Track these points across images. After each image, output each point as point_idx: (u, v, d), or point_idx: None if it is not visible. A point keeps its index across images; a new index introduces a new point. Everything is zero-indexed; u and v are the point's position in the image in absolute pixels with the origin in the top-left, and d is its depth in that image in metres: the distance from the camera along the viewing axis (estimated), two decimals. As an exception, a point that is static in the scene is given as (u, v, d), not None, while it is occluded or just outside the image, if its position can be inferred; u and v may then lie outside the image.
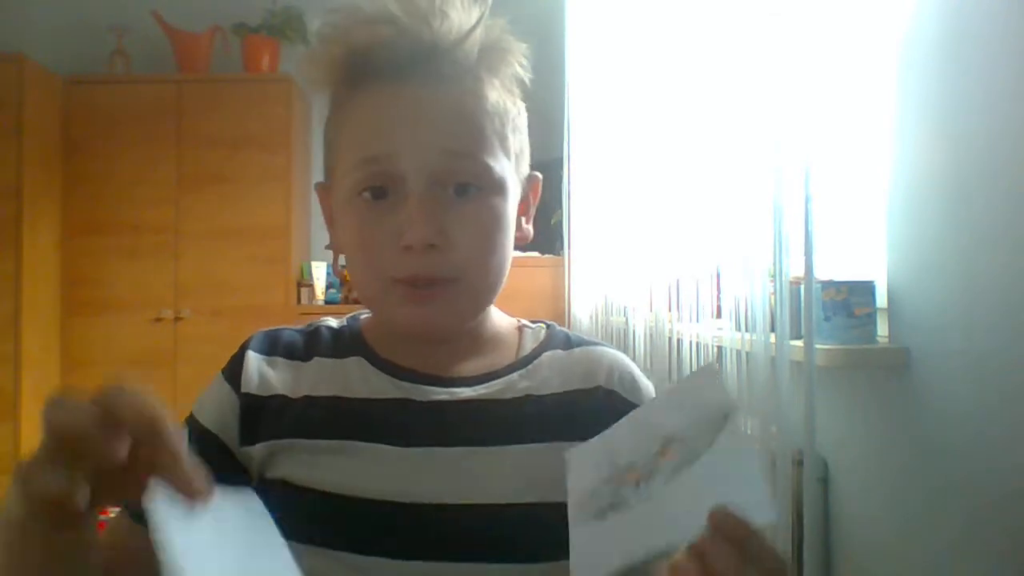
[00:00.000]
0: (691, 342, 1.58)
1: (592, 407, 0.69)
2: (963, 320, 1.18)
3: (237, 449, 0.69)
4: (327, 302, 3.51)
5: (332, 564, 0.64)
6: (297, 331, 0.76)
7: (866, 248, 1.45)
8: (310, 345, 0.74)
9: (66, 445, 0.46)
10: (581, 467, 0.57)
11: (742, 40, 1.50)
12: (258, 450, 0.69)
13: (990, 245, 1.12)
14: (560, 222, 3.08)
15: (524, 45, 0.69)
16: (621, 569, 0.53)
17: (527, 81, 0.70)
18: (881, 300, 1.35)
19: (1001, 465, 1.11)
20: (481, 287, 0.67)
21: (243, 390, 0.70)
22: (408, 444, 0.67)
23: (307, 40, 3.32)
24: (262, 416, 0.69)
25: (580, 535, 0.54)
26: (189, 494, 0.45)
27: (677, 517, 0.50)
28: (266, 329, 0.76)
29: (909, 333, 1.31)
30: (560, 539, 0.65)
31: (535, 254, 3.16)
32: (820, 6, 1.43)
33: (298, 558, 0.65)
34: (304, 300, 3.49)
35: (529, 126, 0.73)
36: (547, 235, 3.23)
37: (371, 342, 0.73)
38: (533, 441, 0.67)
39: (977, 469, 1.18)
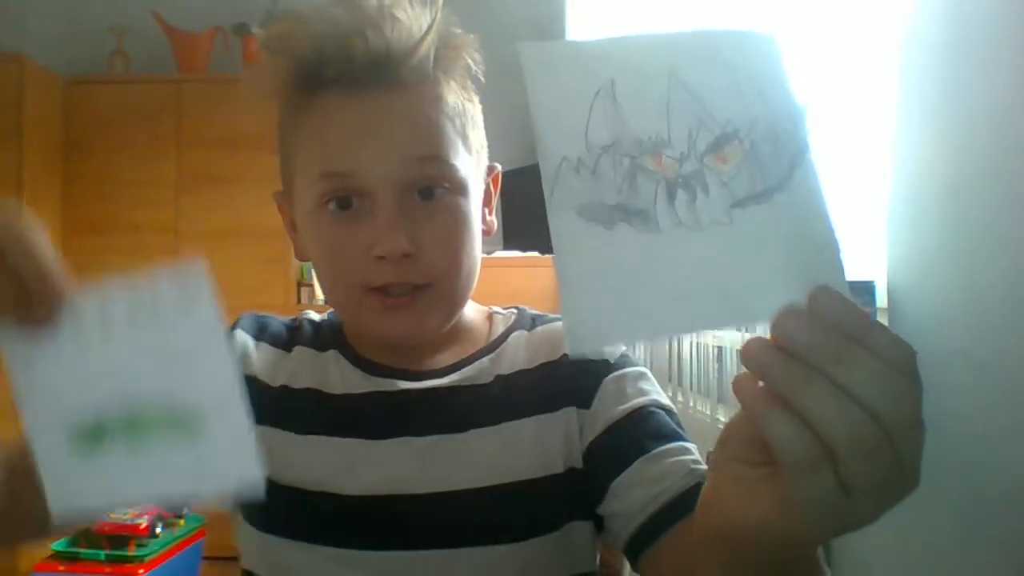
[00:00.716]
0: (691, 342, 1.58)
1: (561, 375, 0.69)
2: (963, 320, 1.18)
3: None
4: (327, 302, 3.50)
5: (311, 557, 0.65)
6: (283, 322, 0.77)
7: (866, 248, 1.45)
8: (293, 336, 0.75)
9: None
10: (553, 86, 0.37)
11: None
12: None
13: (990, 245, 1.12)
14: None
15: (472, 36, 0.67)
16: (648, 334, 0.40)
17: (480, 75, 0.69)
18: (881, 300, 1.35)
19: (1001, 464, 1.11)
20: (454, 290, 0.67)
21: None
22: (380, 437, 0.67)
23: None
24: None
25: (573, 240, 0.36)
26: (42, 303, 0.42)
27: (738, 277, 0.35)
28: (255, 312, 0.77)
29: (909, 333, 1.31)
30: (539, 515, 0.65)
31: (535, 254, 3.16)
32: (820, 7, 1.43)
33: (278, 552, 0.66)
34: (304, 300, 3.49)
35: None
36: (547, 235, 3.22)
37: (348, 337, 0.74)
38: (505, 420, 0.67)
39: (977, 469, 1.18)
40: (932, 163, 1.25)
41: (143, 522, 2.42)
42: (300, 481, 0.67)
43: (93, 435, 0.44)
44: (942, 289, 1.22)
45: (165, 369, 0.44)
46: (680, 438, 0.64)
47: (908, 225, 1.31)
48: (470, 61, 0.68)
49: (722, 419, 1.53)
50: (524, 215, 2.02)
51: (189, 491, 0.46)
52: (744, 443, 0.37)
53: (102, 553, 2.37)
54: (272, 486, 0.66)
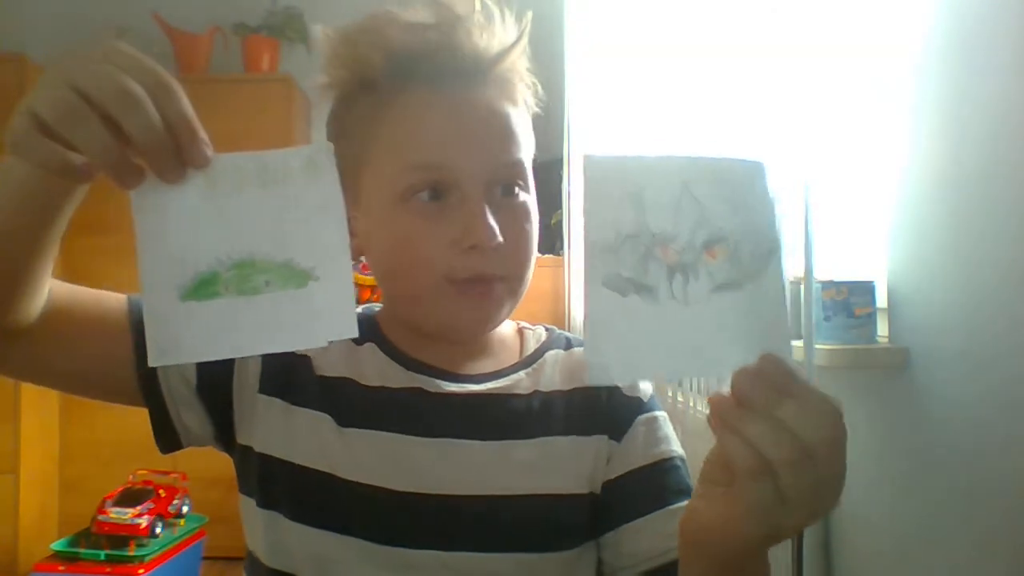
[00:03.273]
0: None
1: (598, 403, 0.72)
2: (963, 320, 1.18)
3: (252, 394, 0.70)
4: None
5: (344, 550, 0.65)
6: None
7: (866, 248, 1.45)
8: None
9: (108, 104, 0.44)
10: (600, 189, 0.47)
11: (745, 41, 1.50)
12: (274, 403, 0.69)
13: (990, 245, 1.12)
14: (560, 222, 3.08)
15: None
16: (645, 375, 0.55)
17: (539, 88, 0.73)
18: (881, 300, 1.35)
19: (1001, 464, 1.11)
20: (522, 285, 0.70)
21: None
22: (420, 434, 0.68)
23: (306, 40, 3.32)
24: (283, 371, 0.70)
25: (598, 301, 0.47)
26: (193, 146, 0.46)
27: (711, 342, 0.47)
28: None
29: (909, 333, 1.31)
30: (565, 529, 0.68)
31: (536, 254, 3.16)
32: (826, 10, 1.43)
33: (310, 542, 0.66)
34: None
35: (534, 127, 0.74)
36: (547, 235, 3.22)
37: (386, 332, 0.74)
38: (542, 435, 0.69)
39: (977, 468, 1.18)
40: (932, 163, 1.25)
41: (143, 522, 2.42)
42: (334, 468, 0.67)
43: (207, 282, 0.47)
44: (942, 289, 1.22)
45: (286, 228, 0.48)
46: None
47: (908, 225, 1.31)
48: (527, 73, 0.72)
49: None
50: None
51: (288, 342, 0.48)
52: (715, 465, 0.48)
53: (102, 553, 2.37)
54: (304, 471, 0.67)
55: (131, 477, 2.60)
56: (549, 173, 2.88)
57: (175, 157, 0.46)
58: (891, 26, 1.35)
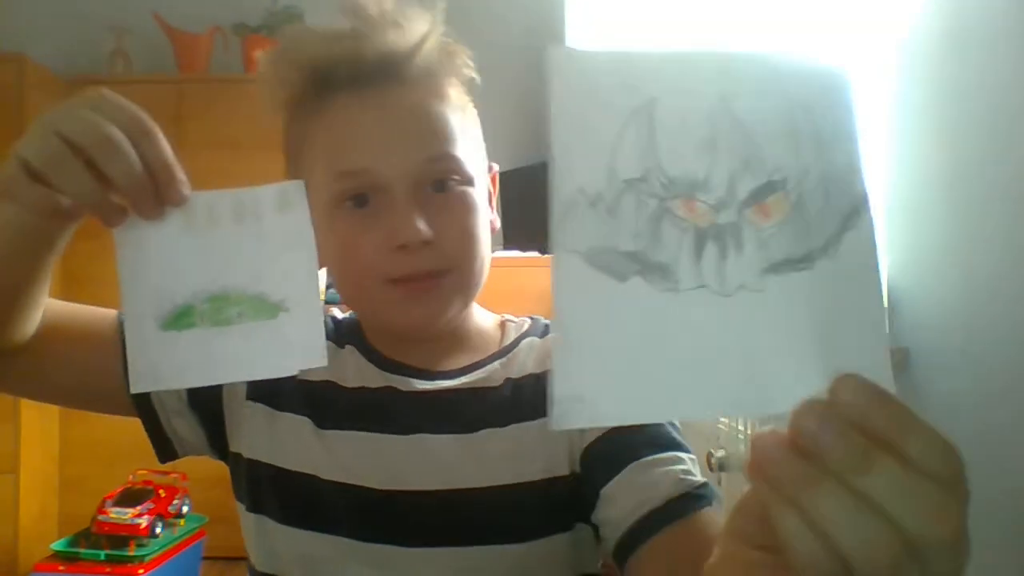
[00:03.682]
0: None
1: None
2: (963, 320, 1.18)
3: (240, 402, 0.72)
4: (327, 301, 3.49)
5: (330, 550, 0.67)
6: None
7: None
8: None
9: (90, 150, 0.47)
10: (580, 102, 0.31)
11: (743, 39, 1.50)
12: (258, 409, 0.71)
13: (990, 245, 1.12)
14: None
15: (465, 48, 0.71)
16: (650, 413, 0.32)
17: (476, 78, 0.72)
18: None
19: (1001, 464, 1.11)
20: (471, 276, 0.69)
21: None
22: (394, 432, 0.69)
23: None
24: (269, 378, 0.71)
25: (577, 290, 0.30)
26: (171, 187, 0.49)
27: (762, 354, 0.30)
28: None
29: (909, 333, 1.31)
30: (548, 515, 0.67)
31: (535, 254, 3.16)
32: (823, 8, 1.43)
33: (297, 543, 0.68)
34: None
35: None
36: (547, 235, 3.22)
37: (366, 334, 0.76)
38: (514, 422, 0.69)
39: (977, 468, 1.18)
40: (931, 164, 1.25)
41: (143, 522, 2.42)
42: (317, 470, 0.68)
43: (184, 314, 0.50)
44: (942, 289, 1.22)
45: (259, 262, 0.50)
46: (676, 447, 0.65)
47: (908, 225, 1.31)
48: (466, 68, 0.71)
49: (724, 419, 1.53)
50: (524, 215, 2.02)
51: (261, 370, 0.51)
52: (754, 520, 0.32)
53: (102, 553, 2.37)
54: (288, 473, 0.69)
55: (131, 477, 2.60)
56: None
57: (154, 197, 0.50)
58: (890, 27, 1.35)
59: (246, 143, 3.47)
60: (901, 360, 1.28)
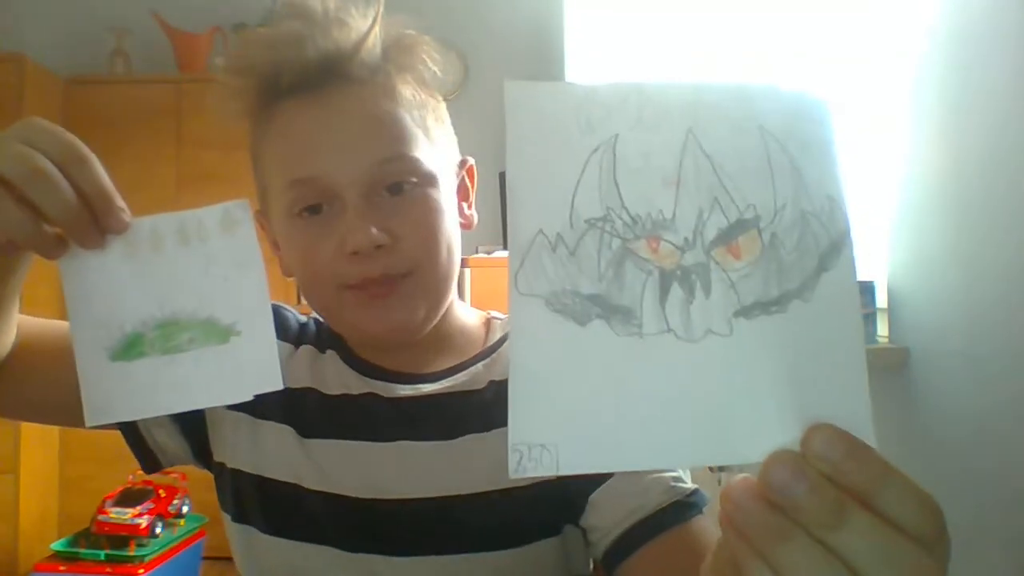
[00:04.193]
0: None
1: None
2: (963, 320, 1.18)
3: (222, 412, 0.71)
4: (313, 309, 3.49)
5: (315, 560, 0.66)
6: (297, 318, 0.78)
7: (866, 248, 1.45)
8: (301, 335, 0.76)
9: (20, 184, 0.46)
10: (538, 137, 0.29)
11: (746, 41, 1.50)
12: (240, 418, 0.70)
13: (990, 245, 1.12)
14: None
15: (428, 37, 0.68)
16: (612, 463, 0.30)
17: (439, 72, 0.69)
18: (881, 300, 1.35)
19: (1000, 463, 1.11)
20: (435, 276, 0.66)
21: None
22: (376, 440, 0.68)
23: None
24: None
25: (530, 331, 0.30)
26: (109, 215, 0.47)
27: (732, 404, 0.29)
28: (276, 302, 0.77)
29: (909, 333, 1.31)
30: (534, 521, 0.66)
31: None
32: (831, 16, 1.43)
33: (282, 554, 0.67)
34: (303, 300, 3.48)
35: None
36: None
37: (346, 339, 0.74)
38: (497, 427, 0.67)
39: (976, 467, 1.18)
40: (932, 165, 1.25)
41: (143, 522, 2.42)
42: (300, 479, 0.67)
43: (133, 344, 0.48)
44: (942, 289, 1.22)
45: (206, 286, 0.49)
46: None
47: (908, 225, 1.31)
48: (426, 59, 0.68)
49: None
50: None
51: (215, 397, 0.49)
52: (730, 564, 0.30)
53: (102, 553, 2.37)
54: (272, 483, 0.68)
55: (131, 477, 2.60)
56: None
57: (92, 226, 0.47)
58: (892, 30, 1.35)
59: (246, 143, 3.47)
60: (901, 360, 1.28)
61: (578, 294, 0.29)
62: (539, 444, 0.29)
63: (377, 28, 0.65)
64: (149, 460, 0.73)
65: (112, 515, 2.44)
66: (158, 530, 2.46)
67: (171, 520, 2.55)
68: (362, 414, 0.69)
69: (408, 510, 0.65)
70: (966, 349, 1.16)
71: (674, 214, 0.29)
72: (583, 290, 0.29)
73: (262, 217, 0.71)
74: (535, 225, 0.29)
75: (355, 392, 0.70)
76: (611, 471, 0.50)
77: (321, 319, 0.78)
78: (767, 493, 0.27)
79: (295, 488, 0.67)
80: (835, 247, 0.30)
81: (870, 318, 1.31)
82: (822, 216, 0.30)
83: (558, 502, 0.66)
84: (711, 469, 1.66)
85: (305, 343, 0.75)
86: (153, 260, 0.49)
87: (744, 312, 0.29)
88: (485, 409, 0.68)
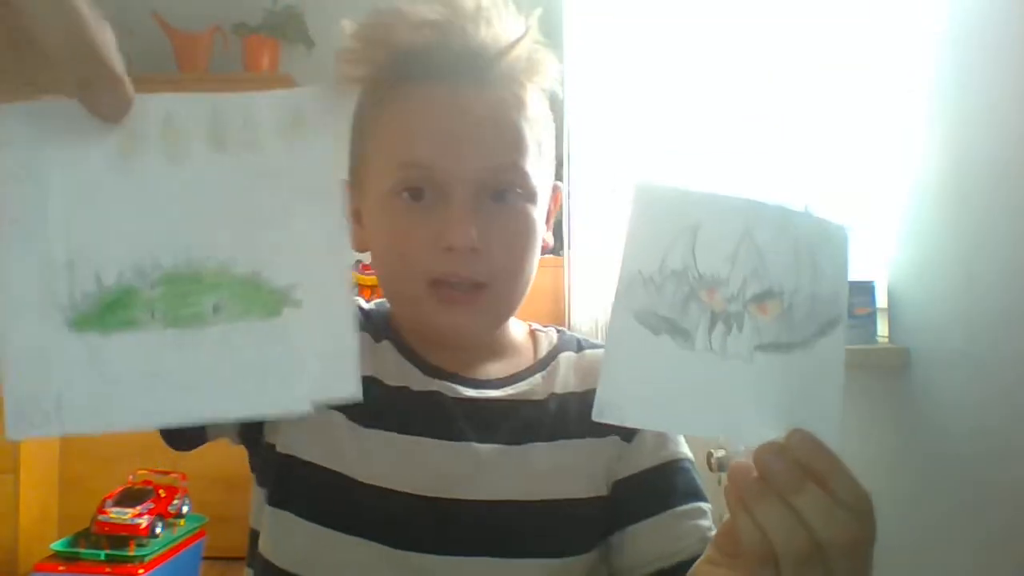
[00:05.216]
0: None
1: None
2: (963, 320, 1.18)
3: None
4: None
5: (358, 554, 0.65)
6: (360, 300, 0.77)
7: (866, 248, 1.45)
8: (364, 320, 0.74)
9: None
10: (651, 217, 0.43)
11: (749, 40, 1.50)
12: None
13: (990, 245, 1.12)
14: (560, 222, 3.08)
15: (557, 59, 0.69)
16: (661, 424, 0.50)
17: (560, 91, 0.70)
18: (881, 300, 1.35)
19: (1000, 462, 1.11)
20: (510, 294, 0.68)
21: None
22: (442, 438, 0.68)
23: (307, 40, 3.32)
24: None
25: (625, 334, 0.43)
26: (98, 79, 0.32)
27: (743, 404, 0.43)
28: None
29: (909, 333, 1.31)
30: (583, 533, 0.68)
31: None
32: (836, 21, 1.43)
33: (323, 544, 0.65)
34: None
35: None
36: (553, 238, 3.21)
37: (398, 330, 0.74)
38: (560, 438, 0.69)
39: (977, 466, 1.18)
40: (933, 165, 1.25)
41: (143, 522, 2.42)
42: (352, 471, 0.66)
43: (118, 304, 0.29)
44: (942, 289, 1.22)
45: (251, 222, 0.30)
46: (701, 497, 0.68)
47: (909, 227, 1.31)
48: (552, 79, 0.69)
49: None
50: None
51: (248, 405, 0.31)
52: (726, 536, 0.49)
53: (102, 553, 2.37)
54: (322, 471, 0.66)
55: (131, 477, 2.60)
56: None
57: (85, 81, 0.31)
58: (892, 32, 1.35)
59: (246, 143, 3.46)
60: (901, 360, 1.28)
61: (656, 315, 0.43)
62: (617, 403, 0.42)
63: (526, 40, 0.65)
64: (196, 434, 0.65)
65: (112, 515, 2.44)
66: (158, 530, 2.46)
67: (171, 520, 2.55)
68: (426, 410, 0.69)
69: (467, 510, 0.66)
70: (966, 349, 1.16)
71: (728, 278, 0.44)
72: (660, 313, 0.43)
73: (350, 187, 0.70)
74: (636, 267, 0.43)
75: (416, 388, 0.70)
76: (659, 430, 0.68)
77: (366, 307, 0.77)
78: (757, 467, 0.42)
79: (344, 478, 0.66)
80: (832, 323, 0.45)
81: (870, 318, 1.31)
82: (827, 302, 0.45)
83: (603, 518, 0.69)
84: (711, 469, 1.68)
85: (360, 329, 0.73)
86: (164, 171, 0.31)
87: (762, 348, 0.44)
88: (548, 420, 0.70)
